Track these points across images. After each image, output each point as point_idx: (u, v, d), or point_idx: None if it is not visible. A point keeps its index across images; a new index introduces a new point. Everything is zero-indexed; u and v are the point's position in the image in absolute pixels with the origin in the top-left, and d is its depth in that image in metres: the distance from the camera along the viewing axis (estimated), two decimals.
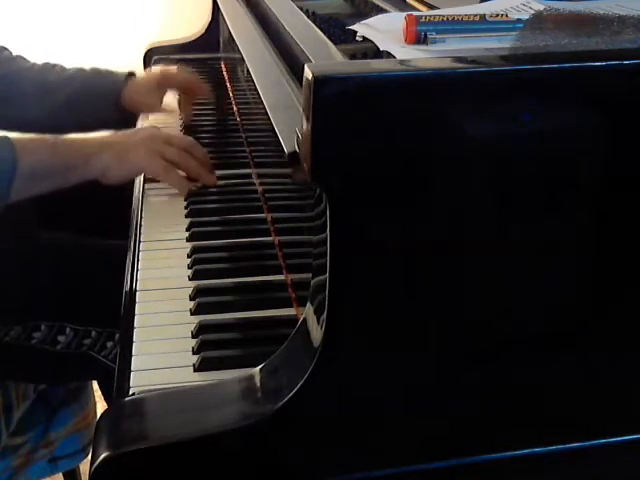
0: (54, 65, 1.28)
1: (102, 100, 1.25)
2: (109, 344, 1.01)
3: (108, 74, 1.28)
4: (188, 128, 1.31)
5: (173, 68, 1.40)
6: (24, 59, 1.29)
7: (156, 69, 1.40)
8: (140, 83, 1.28)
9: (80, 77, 1.26)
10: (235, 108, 1.34)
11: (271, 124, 0.75)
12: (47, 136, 1.01)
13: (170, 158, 1.04)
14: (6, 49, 1.30)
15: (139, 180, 1.12)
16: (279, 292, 0.85)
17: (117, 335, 0.82)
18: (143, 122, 1.31)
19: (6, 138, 0.94)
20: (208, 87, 1.35)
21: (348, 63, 0.69)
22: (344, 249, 0.59)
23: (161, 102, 1.30)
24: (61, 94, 1.24)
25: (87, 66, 1.29)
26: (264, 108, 0.80)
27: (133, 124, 1.30)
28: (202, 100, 1.44)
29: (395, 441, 0.65)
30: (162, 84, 1.30)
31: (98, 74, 1.27)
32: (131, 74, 1.28)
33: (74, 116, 1.25)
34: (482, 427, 0.66)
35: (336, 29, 0.90)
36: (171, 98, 1.37)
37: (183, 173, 1.07)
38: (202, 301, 0.83)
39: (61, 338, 1.00)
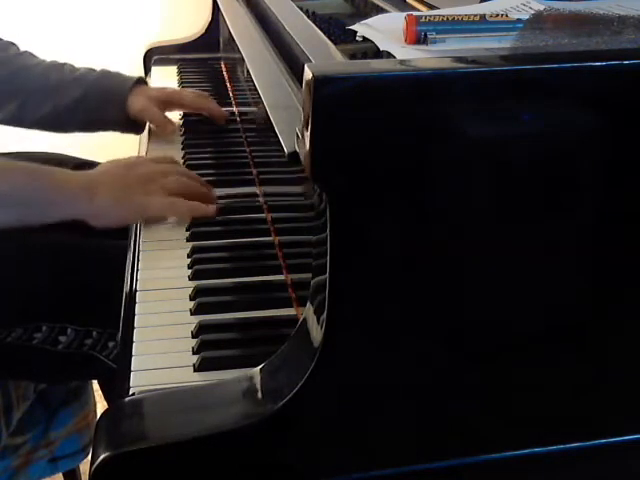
0: (64, 64, 1.28)
1: (108, 102, 1.24)
2: (110, 344, 1.01)
3: (117, 76, 1.27)
4: (188, 128, 1.31)
5: (185, 91, 1.37)
6: (33, 55, 1.30)
7: (169, 88, 1.36)
8: (147, 93, 1.26)
9: (89, 77, 1.26)
10: (235, 108, 1.34)
11: (271, 124, 0.75)
12: (33, 165, 0.94)
13: (171, 188, 0.98)
14: (14, 44, 1.30)
15: None
16: (279, 292, 0.85)
17: (118, 335, 0.82)
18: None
19: None
20: (222, 113, 1.30)
21: (348, 63, 0.69)
22: (344, 249, 0.59)
23: (165, 122, 1.27)
24: (68, 92, 1.24)
25: (95, 66, 1.29)
26: (264, 108, 0.80)
27: (140, 129, 1.30)
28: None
29: (395, 441, 0.65)
30: (168, 102, 1.28)
31: (107, 75, 1.27)
32: (141, 80, 1.28)
33: (80, 115, 1.25)
34: (482, 427, 0.66)
35: (336, 29, 0.90)
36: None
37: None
38: (202, 301, 0.83)
39: (62, 338, 1.00)
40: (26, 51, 1.30)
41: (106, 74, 1.27)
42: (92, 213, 0.92)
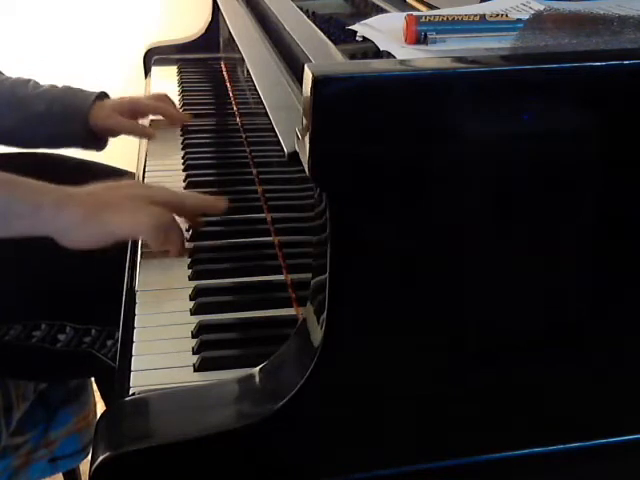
0: (28, 80, 1.27)
1: (70, 118, 1.23)
2: (109, 342, 1.01)
3: (79, 92, 1.26)
4: (188, 129, 1.31)
5: (142, 97, 1.36)
6: None
7: (126, 97, 1.31)
8: (108, 106, 1.24)
9: (51, 93, 1.25)
10: (235, 108, 1.34)
11: (271, 124, 0.75)
12: (2, 174, 0.84)
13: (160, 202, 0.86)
14: None
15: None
16: (279, 292, 0.85)
17: (117, 333, 0.82)
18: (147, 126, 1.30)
19: None
20: (181, 115, 1.30)
21: (348, 63, 0.69)
22: (344, 249, 0.59)
23: (134, 126, 1.26)
24: (31, 109, 1.23)
25: (60, 83, 1.27)
26: (264, 108, 0.80)
27: (102, 145, 1.28)
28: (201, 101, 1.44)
29: (395, 441, 0.65)
30: (132, 110, 1.26)
31: (69, 92, 1.26)
32: (102, 95, 1.26)
33: (43, 130, 1.23)
34: (482, 427, 0.66)
35: (336, 29, 0.90)
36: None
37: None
38: (202, 301, 0.83)
39: (61, 337, 1.00)
40: None
41: (68, 90, 1.26)
42: (57, 229, 0.83)
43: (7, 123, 1.24)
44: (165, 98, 1.32)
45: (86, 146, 1.28)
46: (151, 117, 1.32)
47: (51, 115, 1.23)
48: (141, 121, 1.29)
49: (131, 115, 1.26)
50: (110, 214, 0.83)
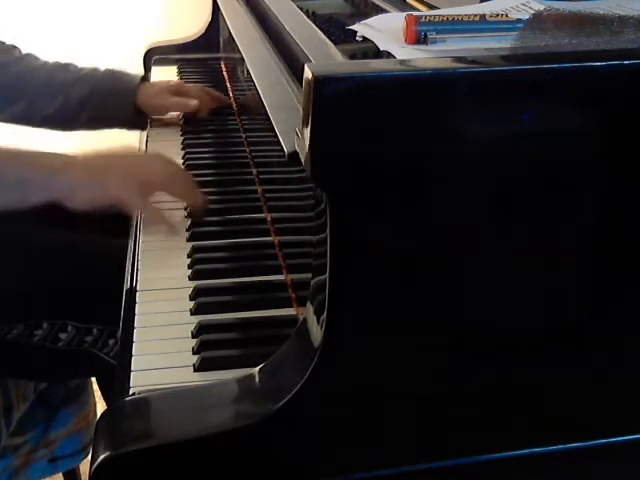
0: (68, 64, 1.31)
1: (116, 99, 1.27)
2: (110, 341, 1.01)
3: (123, 74, 1.30)
4: (188, 129, 1.31)
5: (189, 85, 1.40)
6: (35, 57, 1.32)
7: (172, 80, 1.41)
8: (157, 86, 1.31)
9: (95, 75, 1.29)
10: (235, 108, 1.34)
11: (271, 124, 0.75)
12: (6, 146, 0.92)
13: (153, 182, 0.97)
14: (16, 47, 1.31)
15: None
16: (279, 292, 0.85)
17: (119, 332, 0.82)
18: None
19: None
20: (223, 97, 1.36)
21: (348, 63, 0.69)
22: (344, 249, 0.59)
23: (182, 101, 1.31)
24: (75, 91, 1.27)
25: (99, 66, 1.31)
26: (264, 108, 0.80)
27: (146, 123, 1.32)
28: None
29: (395, 441, 0.65)
30: (178, 92, 1.32)
31: (112, 74, 1.30)
32: (145, 78, 1.33)
33: (87, 113, 1.28)
34: (482, 427, 0.66)
35: (336, 29, 0.90)
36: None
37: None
38: (202, 301, 0.83)
39: (63, 336, 1.00)
40: (29, 53, 1.32)
41: (111, 72, 1.30)
42: (64, 188, 0.90)
43: (49, 108, 1.26)
44: (208, 90, 1.37)
45: (130, 127, 1.32)
46: (153, 116, 1.34)
47: (96, 97, 1.26)
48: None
49: (177, 95, 1.31)
50: (109, 177, 0.92)
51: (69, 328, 1.00)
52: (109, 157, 0.98)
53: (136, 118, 1.30)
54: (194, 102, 1.30)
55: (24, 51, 1.32)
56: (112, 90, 1.27)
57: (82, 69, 1.30)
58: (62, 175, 0.91)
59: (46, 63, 1.30)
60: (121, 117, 1.29)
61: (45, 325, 0.99)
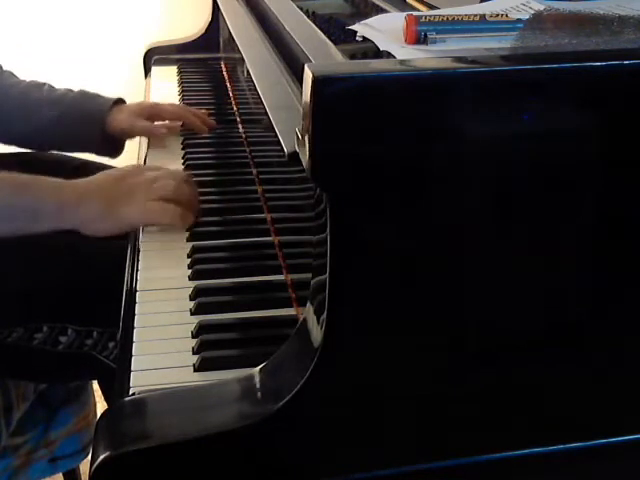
0: (43, 84, 1.28)
1: (87, 123, 1.24)
2: (111, 344, 1.01)
3: (96, 97, 1.27)
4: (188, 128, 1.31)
5: (166, 103, 1.35)
6: (12, 75, 1.30)
7: (145, 102, 1.36)
8: (128, 110, 1.26)
9: (67, 98, 1.26)
10: (235, 108, 1.34)
11: (271, 124, 0.75)
12: (19, 175, 0.95)
13: (159, 195, 0.96)
14: None
15: None
16: (279, 292, 0.85)
17: (119, 335, 0.82)
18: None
19: None
20: (206, 122, 1.29)
21: (348, 63, 0.69)
22: (344, 249, 0.59)
23: (151, 126, 1.26)
24: (46, 113, 1.24)
25: (76, 87, 1.28)
26: (264, 108, 0.80)
27: (119, 148, 1.29)
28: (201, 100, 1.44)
29: (395, 441, 0.65)
30: (150, 115, 1.27)
31: (86, 96, 1.27)
32: (120, 100, 1.27)
33: (59, 136, 1.25)
34: (482, 427, 0.66)
35: (336, 29, 0.90)
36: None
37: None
38: (202, 301, 0.83)
39: (63, 339, 1.00)
40: (6, 71, 1.30)
41: (84, 95, 1.27)
42: (79, 223, 0.94)
43: (19, 127, 1.25)
44: (186, 108, 1.32)
45: (100, 151, 1.28)
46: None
47: (65, 120, 1.24)
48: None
49: (149, 119, 1.27)
50: (124, 207, 0.94)
51: (69, 331, 1.00)
52: (123, 181, 0.98)
53: (106, 143, 1.25)
54: (162, 130, 1.25)
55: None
56: (83, 113, 1.24)
57: (56, 90, 1.27)
58: (76, 208, 0.93)
59: (21, 81, 1.28)
60: (91, 141, 1.25)
61: (45, 328, 0.99)
